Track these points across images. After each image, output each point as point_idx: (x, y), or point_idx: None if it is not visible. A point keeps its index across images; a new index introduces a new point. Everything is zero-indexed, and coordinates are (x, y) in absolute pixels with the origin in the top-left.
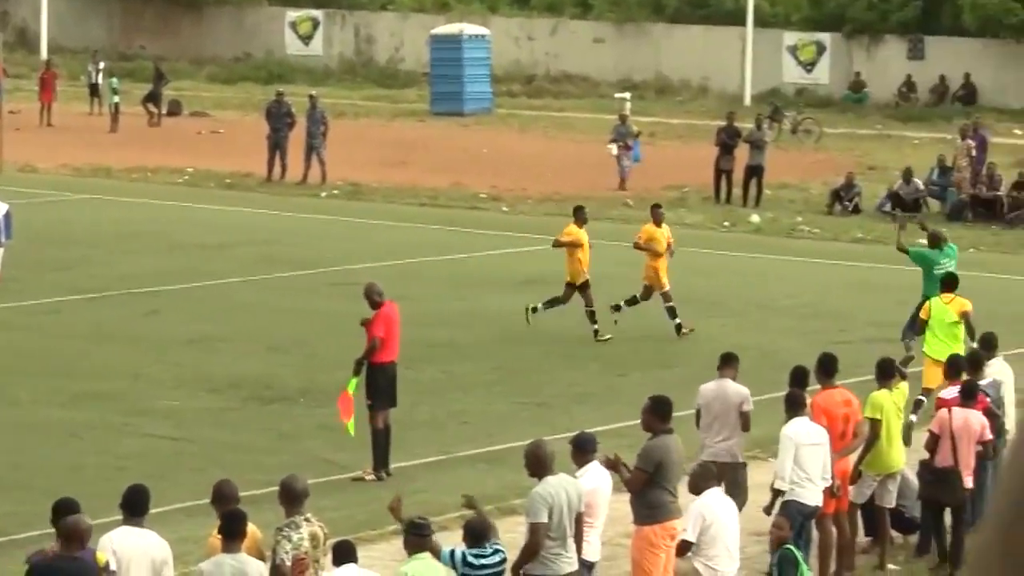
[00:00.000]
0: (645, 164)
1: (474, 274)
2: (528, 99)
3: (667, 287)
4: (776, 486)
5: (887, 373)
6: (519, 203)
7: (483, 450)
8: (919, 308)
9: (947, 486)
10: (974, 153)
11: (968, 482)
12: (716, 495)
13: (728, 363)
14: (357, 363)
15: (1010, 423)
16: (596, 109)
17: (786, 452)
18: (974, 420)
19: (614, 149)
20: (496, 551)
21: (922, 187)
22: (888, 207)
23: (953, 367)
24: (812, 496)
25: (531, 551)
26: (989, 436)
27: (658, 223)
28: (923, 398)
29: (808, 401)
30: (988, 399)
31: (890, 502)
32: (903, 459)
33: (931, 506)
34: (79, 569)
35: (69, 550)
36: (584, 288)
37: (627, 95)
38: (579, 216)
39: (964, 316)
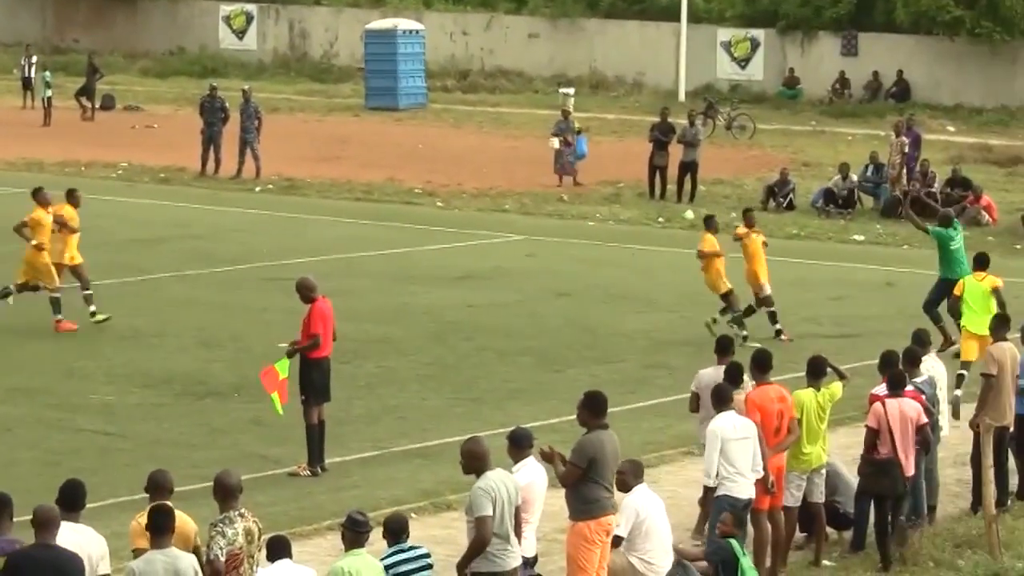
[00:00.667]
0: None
1: (409, 269)
2: (463, 94)
3: (725, 288)
4: (704, 482)
5: (817, 372)
6: (454, 198)
7: (418, 445)
8: (940, 290)
9: (887, 477)
10: (907, 150)
11: (909, 470)
12: (645, 491)
13: (725, 351)
14: (291, 351)
15: (944, 420)
16: (531, 104)
17: (712, 448)
18: (908, 408)
19: (555, 143)
20: (413, 547)
21: (855, 182)
22: (821, 203)
23: (887, 363)
24: (743, 489)
25: (479, 545)
26: (925, 420)
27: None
28: (964, 372)
29: (742, 396)
30: (923, 396)
31: (819, 497)
32: (825, 456)
33: (870, 497)
34: (55, 557)
35: (44, 538)
36: (728, 296)
37: (571, 90)
38: (711, 225)
39: (996, 292)
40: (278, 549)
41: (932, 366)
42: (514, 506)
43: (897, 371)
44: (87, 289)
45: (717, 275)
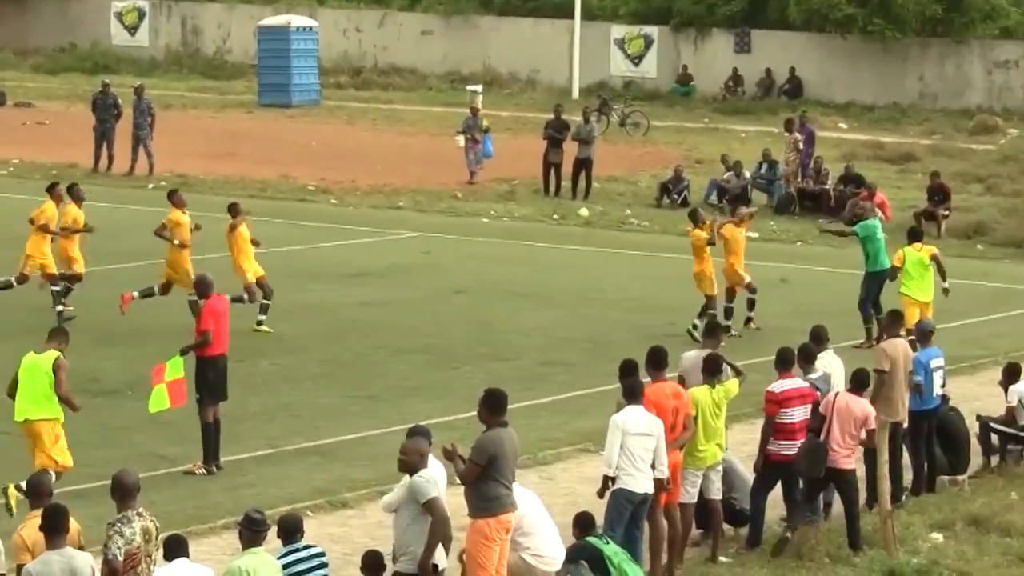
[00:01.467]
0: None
1: (304, 267)
2: (356, 91)
3: (746, 279)
4: (604, 472)
5: (713, 369)
6: (348, 195)
7: (313, 443)
8: (870, 286)
9: (810, 457)
10: (802, 147)
11: (839, 463)
12: (517, 489)
13: (712, 335)
14: (184, 349)
15: None
16: (424, 102)
17: (613, 437)
18: (856, 407)
19: (461, 141)
20: (308, 546)
21: (748, 179)
22: (714, 198)
23: (782, 360)
24: (641, 483)
25: (444, 523)
26: (873, 425)
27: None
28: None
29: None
30: (818, 392)
31: (716, 493)
32: (721, 453)
33: (765, 493)
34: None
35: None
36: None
37: (479, 87)
38: (698, 218)
39: (935, 258)
40: (175, 548)
41: (830, 363)
42: None
43: (857, 372)
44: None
45: (710, 273)
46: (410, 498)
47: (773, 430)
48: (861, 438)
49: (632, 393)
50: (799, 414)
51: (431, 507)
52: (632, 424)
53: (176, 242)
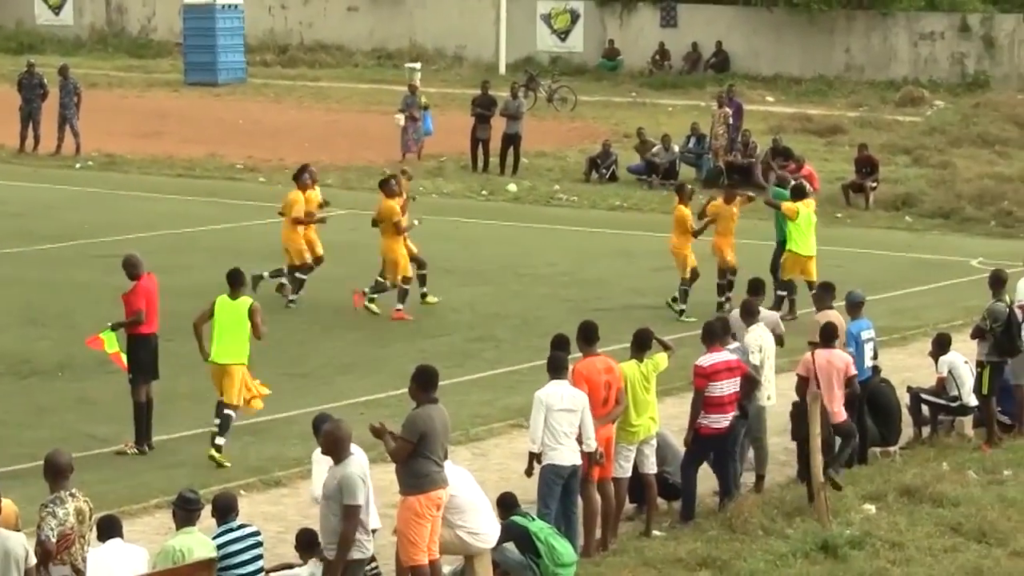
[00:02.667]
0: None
1: (233, 245)
2: (282, 69)
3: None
4: (528, 448)
5: (642, 344)
6: (276, 173)
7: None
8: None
9: (805, 420)
10: (730, 120)
11: (836, 417)
12: (448, 468)
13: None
14: (115, 325)
15: (772, 389)
16: (351, 78)
17: (537, 414)
18: (836, 359)
19: (401, 120)
20: (243, 525)
21: (677, 153)
22: (645, 174)
23: (710, 333)
24: (567, 456)
25: (350, 537)
26: (854, 372)
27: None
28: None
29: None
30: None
31: (651, 468)
32: (654, 427)
33: (696, 467)
34: None
35: None
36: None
37: (417, 65)
38: (684, 193)
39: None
40: (109, 528)
41: (759, 334)
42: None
43: (827, 325)
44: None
45: (686, 253)
46: (337, 493)
47: (703, 404)
48: (846, 390)
49: (556, 367)
50: (729, 387)
51: (348, 512)
52: (556, 399)
53: (313, 215)
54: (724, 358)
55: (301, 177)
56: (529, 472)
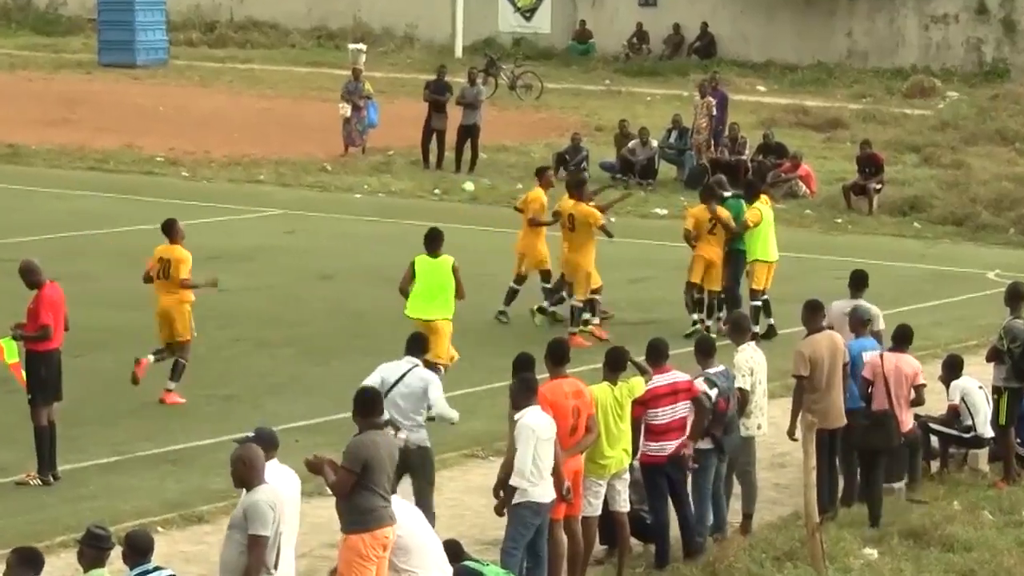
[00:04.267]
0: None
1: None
2: (209, 49)
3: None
4: (514, 482)
5: (616, 365)
6: (201, 167)
7: (164, 450)
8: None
9: (882, 430)
10: (714, 112)
11: (905, 425)
12: (395, 502)
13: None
14: (17, 335)
15: (763, 418)
16: (287, 61)
17: (527, 445)
18: (905, 364)
19: (346, 110)
20: (158, 568)
21: (655, 149)
22: (618, 170)
23: (653, 351)
24: (547, 493)
25: (254, 573)
26: (923, 381)
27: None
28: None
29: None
30: (715, 389)
31: (623, 505)
32: (628, 459)
33: (865, 455)
34: None
35: None
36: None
37: (362, 46)
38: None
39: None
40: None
41: (751, 356)
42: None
43: (901, 328)
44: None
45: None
46: (242, 521)
47: (645, 431)
48: (911, 397)
49: (530, 391)
50: (670, 413)
51: (253, 543)
52: (544, 428)
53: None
54: (667, 380)
55: (545, 174)
56: (501, 510)
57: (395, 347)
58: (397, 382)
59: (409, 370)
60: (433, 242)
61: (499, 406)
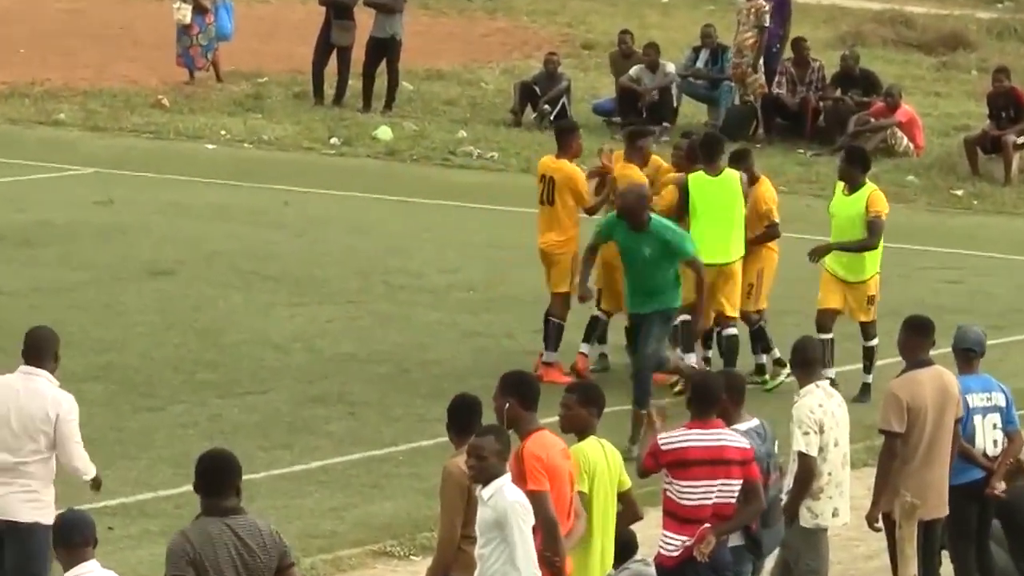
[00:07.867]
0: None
1: None
2: None
3: None
4: None
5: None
6: None
7: None
8: None
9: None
10: (768, 23)
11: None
12: None
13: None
14: None
15: (844, 501)
16: None
17: (524, 532)
18: None
19: (187, 15)
20: None
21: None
22: (616, 112)
23: (703, 394)
24: None
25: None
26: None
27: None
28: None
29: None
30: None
31: None
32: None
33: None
34: None
35: None
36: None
37: None
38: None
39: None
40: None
41: (821, 401)
42: None
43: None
44: None
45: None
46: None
47: (663, 513)
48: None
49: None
50: (703, 492)
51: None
52: (529, 512)
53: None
54: (711, 441)
55: (636, 141)
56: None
57: (264, 383)
58: None
59: None
60: (712, 149)
61: (425, 476)
